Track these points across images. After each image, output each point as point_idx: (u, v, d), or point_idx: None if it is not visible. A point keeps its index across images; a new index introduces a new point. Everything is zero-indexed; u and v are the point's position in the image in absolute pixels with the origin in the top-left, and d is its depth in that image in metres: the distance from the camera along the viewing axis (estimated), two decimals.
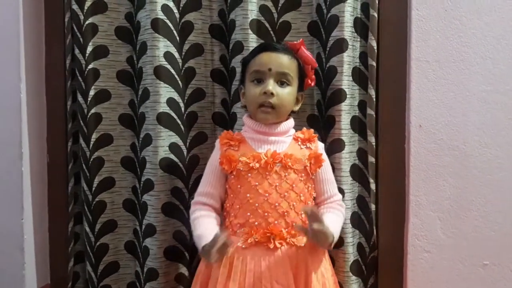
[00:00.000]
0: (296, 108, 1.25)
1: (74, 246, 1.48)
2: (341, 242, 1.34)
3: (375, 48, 1.37)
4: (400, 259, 1.41)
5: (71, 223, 1.46)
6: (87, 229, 1.44)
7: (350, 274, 1.36)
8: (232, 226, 1.16)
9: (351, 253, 1.36)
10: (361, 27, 1.39)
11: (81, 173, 1.44)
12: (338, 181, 1.32)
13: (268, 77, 1.16)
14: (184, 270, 1.44)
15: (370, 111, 1.38)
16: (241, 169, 1.14)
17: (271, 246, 1.10)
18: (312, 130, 1.24)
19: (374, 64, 1.37)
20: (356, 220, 1.41)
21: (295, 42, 1.25)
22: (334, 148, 1.35)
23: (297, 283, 1.11)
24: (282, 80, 1.17)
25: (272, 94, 1.15)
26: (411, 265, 1.40)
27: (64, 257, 1.47)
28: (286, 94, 1.17)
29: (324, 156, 1.22)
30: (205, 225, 1.15)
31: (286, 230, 1.13)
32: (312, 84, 1.28)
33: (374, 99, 1.38)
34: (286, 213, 1.13)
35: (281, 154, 1.15)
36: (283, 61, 1.17)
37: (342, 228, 1.32)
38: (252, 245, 1.11)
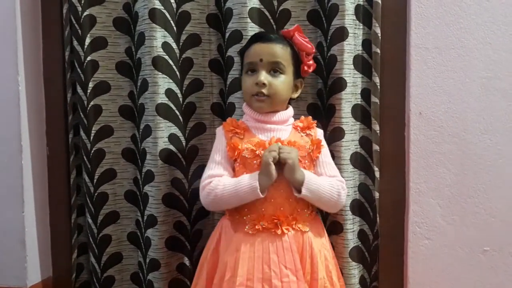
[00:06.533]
0: (295, 95, 1.25)
1: (78, 237, 1.50)
2: (340, 228, 1.36)
3: (379, 35, 1.36)
4: (400, 246, 1.42)
5: (74, 215, 1.47)
6: (90, 220, 1.45)
7: (350, 260, 1.37)
8: (238, 212, 1.16)
9: (350, 239, 1.37)
10: (364, 14, 1.38)
11: (83, 165, 1.44)
12: (338, 169, 1.31)
13: (260, 68, 1.17)
14: (185, 260, 1.45)
15: (375, 99, 1.38)
16: (247, 156, 1.15)
17: (279, 232, 1.11)
18: (310, 117, 1.25)
19: (379, 51, 1.36)
20: (357, 208, 1.41)
21: (289, 29, 1.24)
22: (334, 136, 1.35)
23: (302, 267, 1.12)
24: (275, 69, 1.17)
25: (264, 84, 1.15)
26: (412, 252, 1.40)
27: (66, 249, 1.48)
28: (279, 82, 1.17)
29: (323, 142, 1.23)
30: (238, 179, 1.14)
31: (292, 216, 1.14)
32: (310, 70, 1.26)
33: (379, 87, 1.37)
34: (291, 200, 1.14)
35: (285, 141, 1.16)
36: (275, 51, 1.17)
37: (341, 214, 1.34)
38: (260, 231, 1.12)
